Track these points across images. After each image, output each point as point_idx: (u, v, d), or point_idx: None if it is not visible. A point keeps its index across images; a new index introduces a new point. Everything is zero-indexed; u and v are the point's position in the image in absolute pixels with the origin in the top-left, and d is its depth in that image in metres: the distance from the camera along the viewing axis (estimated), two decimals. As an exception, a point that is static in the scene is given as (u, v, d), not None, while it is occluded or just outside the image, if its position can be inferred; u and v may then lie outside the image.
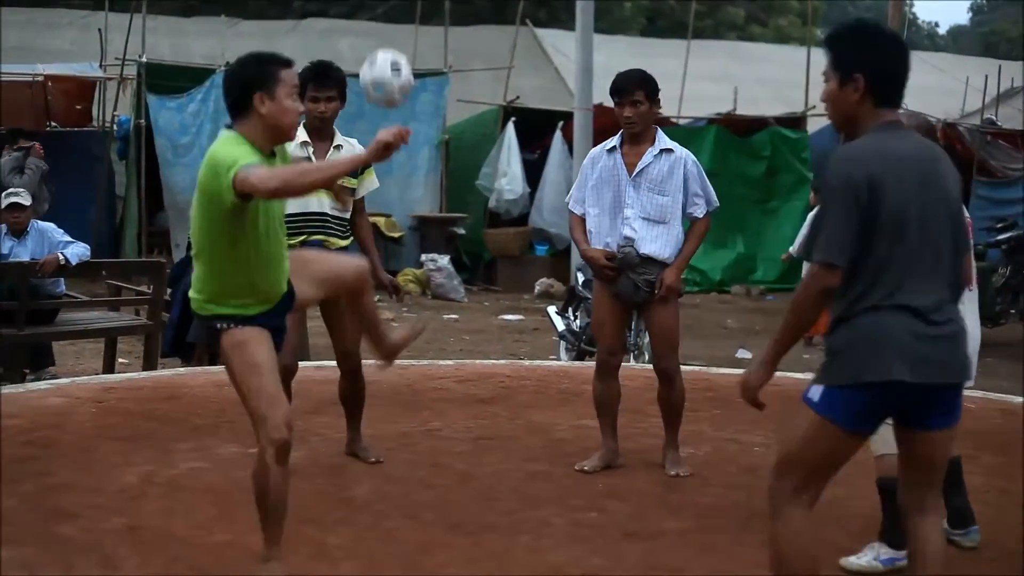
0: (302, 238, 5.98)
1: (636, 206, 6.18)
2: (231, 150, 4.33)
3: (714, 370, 9.12)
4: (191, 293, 4.61)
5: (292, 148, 5.47)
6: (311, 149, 6.12)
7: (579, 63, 16.14)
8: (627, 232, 6.18)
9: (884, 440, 4.55)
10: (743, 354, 11.98)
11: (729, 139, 18.83)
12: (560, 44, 24.11)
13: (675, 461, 6.40)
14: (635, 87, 6.16)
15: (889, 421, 4.03)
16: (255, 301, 4.53)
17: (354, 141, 6.21)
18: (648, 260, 6.19)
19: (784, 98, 21.65)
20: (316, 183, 4.45)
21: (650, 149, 6.23)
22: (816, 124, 19.08)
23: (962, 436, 4.42)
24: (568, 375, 8.61)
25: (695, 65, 20.84)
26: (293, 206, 5.69)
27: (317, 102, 6.05)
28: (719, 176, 17.42)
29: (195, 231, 4.52)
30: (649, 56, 26.53)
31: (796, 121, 19.31)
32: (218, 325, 4.53)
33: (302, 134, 6.06)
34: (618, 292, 6.26)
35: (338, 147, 6.17)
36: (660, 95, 6.25)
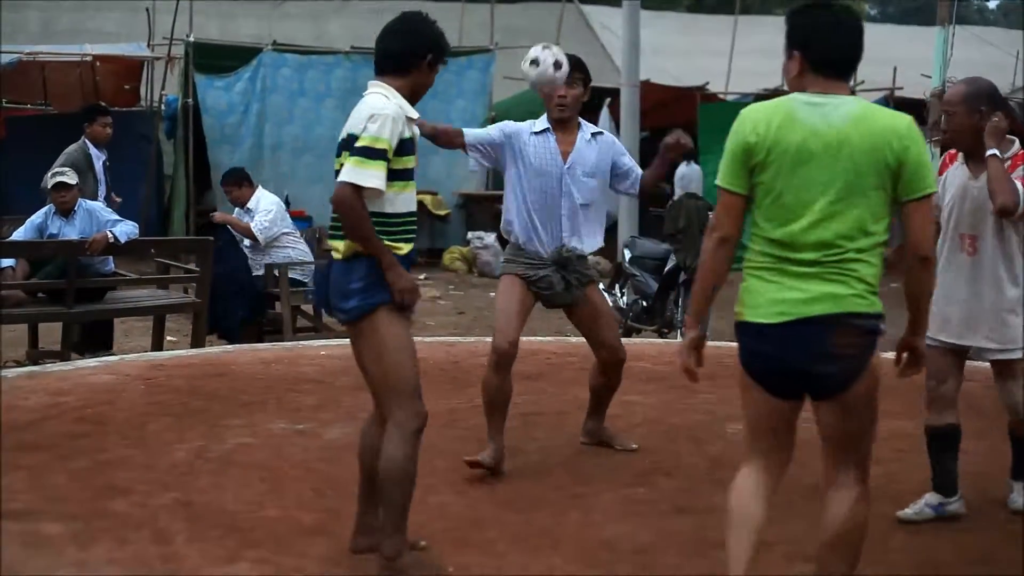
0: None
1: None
2: None
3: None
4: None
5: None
6: None
7: (626, 39, 15.95)
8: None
9: None
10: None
11: (777, 114, 18.66)
12: (607, 21, 23.97)
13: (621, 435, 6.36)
14: (574, 68, 5.79)
15: None
16: None
17: None
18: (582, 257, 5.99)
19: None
20: None
21: (580, 134, 5.99)
22: (866, 99, 18.88)
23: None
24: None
25: (743, 41, 20.68)
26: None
27: None
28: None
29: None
30: (696, 32, 26.43)
31: (845, 96, 19.04)
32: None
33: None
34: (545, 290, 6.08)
35: None
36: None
